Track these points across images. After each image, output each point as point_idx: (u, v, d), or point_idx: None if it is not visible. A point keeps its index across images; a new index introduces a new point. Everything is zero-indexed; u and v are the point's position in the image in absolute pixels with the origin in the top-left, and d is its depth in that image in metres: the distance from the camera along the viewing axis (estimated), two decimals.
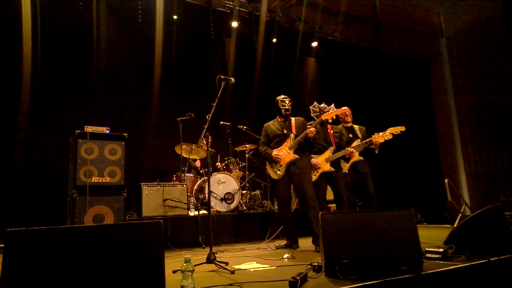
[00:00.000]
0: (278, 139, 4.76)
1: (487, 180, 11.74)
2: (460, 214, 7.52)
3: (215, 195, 5.78)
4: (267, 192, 7.01)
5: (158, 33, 7.93)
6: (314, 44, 10.34)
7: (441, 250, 3.19)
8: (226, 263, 3.29)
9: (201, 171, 6.78)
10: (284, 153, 4.63)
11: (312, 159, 4.90)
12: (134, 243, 2.14)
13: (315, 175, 4.91)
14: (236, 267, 3.32)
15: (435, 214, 10.17)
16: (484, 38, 11.80)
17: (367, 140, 5.34)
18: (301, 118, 4.87)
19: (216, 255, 3.38)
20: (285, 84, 9.69)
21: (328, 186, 5.08)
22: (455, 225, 6.15)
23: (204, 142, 3.78)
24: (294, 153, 4.59)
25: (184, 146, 6.41)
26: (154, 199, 5.30)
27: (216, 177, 5.92)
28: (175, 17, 8.25)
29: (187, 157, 6.58)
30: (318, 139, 4.92)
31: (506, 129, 11.21)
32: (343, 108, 5.57)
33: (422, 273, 2.65)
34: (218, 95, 3.80)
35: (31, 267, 1.90)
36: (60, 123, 6.52)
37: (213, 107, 3.77)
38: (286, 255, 3.80)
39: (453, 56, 12.81)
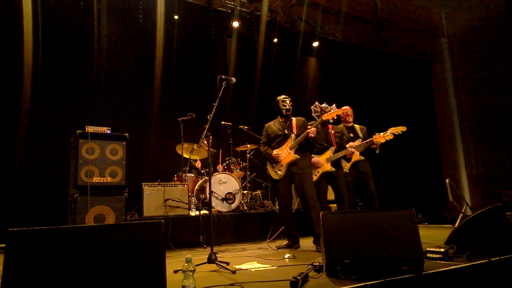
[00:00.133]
0: (279, 139, 4.76)
1: (488, 180, 11.73)
2: (461, 214, 7.52)
3: (216, 195, 5.78)
4: (268, 192, 7.00)
5: (159, 33, 7.93)
6: (315, 44, 10.33)
7: (442, 250, 3.19)
8: (227, 263, 3.29)
9: (202, 171, 6.78)
10: (285, 153, 4.64)
11: (313, 159, 4.90)
12: (135, 243, 2.14)
13: (316, 175, 4.91)
14: (237, 267, 3.32)
15: (436, 214, 10.17)
16: (485, 38, 11.79)
17: (368, 140, 5.34)
18: (302, 118, 4.87)
19: (217, 255, 3.39)
20: (286, 84, 9.69)
21: (329, 186, 5.08)
22: (456, 225, 6.14)
23: (205, 142, 3.78)
24: (295, 153, 4.59)
25: (185, 146, 6.41)
26: (155, 199, 5.31)
27: (217, 177, 5.92)
28: (176, 17, 8.25)
29: (188, 157, 6.58)
30: (319, 139, 4.92)
31: (507, 129, 11.19)
32: (344, 108, 5.57)
33: (423, 273, 2.65)
34: (219, 95, 3.80)
35: (32, 267, 1.91)
36: (61, 123, 6.52)
37: (214, 107, 3.77)
38: (287, 255, 3.79)
39: (454, 56, 12.79)
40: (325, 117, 4.74)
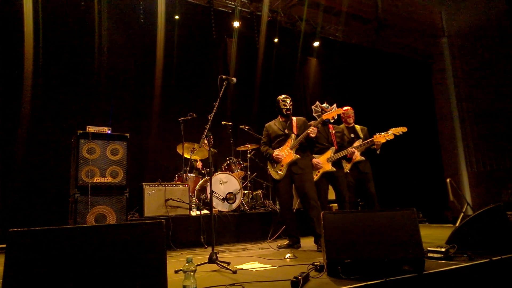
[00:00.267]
0: (279, 139, 4.75)
1: (488, 180, 11.72)
2: (462, 214, 7.51)
3: (217, 195, 5.78)
4: (269, 192, 7.01)
5: (160, 33, 7.94)
6: (316, 44, 10.34)
7: (443, 249, 3.19)
8: (228, 263, 3.30)
9: (203, 171, 6.78)
10: (285, 153, 4.63)
11: (314, 159, 4.90)
12: (136, 243, 2.14)
13: (316, 175, 4.91)
14: (238, 267, 3.32)
15: (437, 213, 10.17)
16: (485, 37, 11.79)
17: (368, 140, 5.33)
18: (303, 118, 4.87)
19: (218, 255, 3.39)
20: (287, 84, 9.69)
21: (329, 186, 5.08)
22: (457, 225, 6.14)
23: (206, 142, 3.78)
24: (296, 153, 4.59)
25: (186, 146, 6.42)
26: (156, 199, 5.31)
27: (218, 177, 5.92)
28: (176, 17, 8.26)
29: (189, 157, 6.58)
30: (319, 139, 4.92)
31: (508, 128, 11.19)
32: (345, 108, 5.57)
33: (424, 272, 2.65)
34: (220, 95, 3.80)
35: (33, 267, 1.91)
36: (62, 123, 6.52)
37: (215, 107, 3.78)
38: (288, 255, 3.79)
39: (455, 56, 12.79)
40: (325, 116, 4.73)
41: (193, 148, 6.50)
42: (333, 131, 5.15)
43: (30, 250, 1.93)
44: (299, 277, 2.46)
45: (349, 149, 5.10)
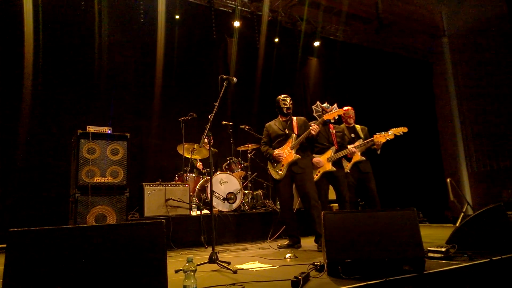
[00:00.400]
0: (279, 139, 4.75)
1: (489, 180, 11.72)
2: (462, 214, 7.50)
3: (217, 195, 5.78)
4: (269, 191, 7.01)
5: (160, 32, 7.94)
6: (316, 43, 10.34)
7: (443, 249, 3.18)
8: (228, 263, 3.30)
9: (203, 171, 6.78)
10: (286, 153, 4.63)
11: (314, 159, 4.90)
12: (136, 243, 2.14)
13: (317, 175, 4.91)
14: (238, 266, 3.32)
15: (437, 213, 10.16)
16: (486, 37, 11.78)
17: (369, 140, 5.33)
18: (303, 118, 4.87)
19: (218, 255, 3.39)
20: (287, 83, 9.68)
21: (330, 185, 5.08)
22: (457, 225, 6.13)
23: (206, 141, 3.78)
24: (296, 153, 4.59)
25: (186, 146, 6.42)
26: (156, 199, 5.31)
27: (218, 177, 5.92)
28: (177, 16, 8.26)
29: (189, 157, 6.58)
30: (320, 139, 4.91)
31: (508, 128, 11.18)
32: (346, 108, 5.57)
33: (424, 272, 2.65)
34: (220, 94, 3.80)
35: (33, 267, 1.91)
36: (62, 123, 6.53)
37: (215, 107, 3.78)
38: (288, 255, 3.79)
39: (455, 56, 12.79)
40: (326, 117, 4.73)
41: (194, 148, 6.50)
42: (334, 131, 5.15)
43: (30, 250, 1.93)
44: (300, 277, 2.46)
45: (350, 148, 5.11)
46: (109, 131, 4.86)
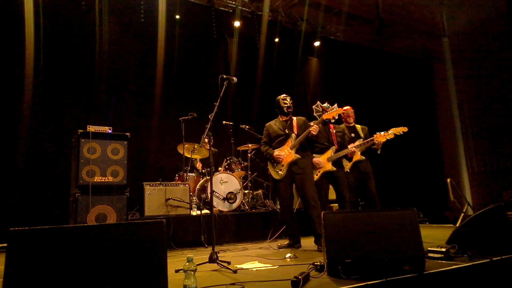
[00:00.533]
0: (279, 139, 4.75)
1: (489, 180, 11.72)
2: (463, 214, 7.50)
3: (217, 195, 5.78)
4: (269, 191, 7.01)
5: (161, 32, 7.94)
6: (317, 43, 10.33)
7: (443, 249, 3.19)
8: (228, 263, 3.30)
9: (203, 170, 6.78)
10: (286, 153, 4.63)
11: (314, 159, 4.90)
12: (136, 243, 2.14)
13: (317, 175, 4.91)
14: (238, 266, 3.32)
15: (438, 213, 10.16)
16: (486, 37, 11.78)
17: (369, 139, 5.33)
18: (303, 118, 4.87)
19: (218, 255, 3.39)
20: (288, 83, 9.68)
21: (330, 185, 5.08)
22: (457, 225, 6.14)
23: (207, 141, 3.78)
24: (296, 152, 4.59)
25: (186, 146, 6.41)
26: (156, 198, 5.31)
27: (218, 176, 5.92)
28: (177, 16, 8.25)
29: (190, 156, 6.58)
30: (320, 139, 4.91)
31: (508, 128, 11.18)
32: (345, 107, 5.57)
33: (424, 272, 2.65)
34: (221, 94, 3.81)
35: (33, 266, 1.91)
36: (62, 122, 6.53)
37: (216, 107, 3.78)
38: (288, 255, 3.80)
39: (456, 56, 12.78)
40: (325, 116, 4.74)
41: (194, 147, 6.50)
42: (334, 131, 5.15)
43: (31, 249, 1.93)
44: (300, 277, 2.46)
45: (350, 148, 5.11)
46: (110, 131, 4.87)
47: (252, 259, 3.76)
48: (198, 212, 5.53)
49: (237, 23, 8.92)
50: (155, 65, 7.85)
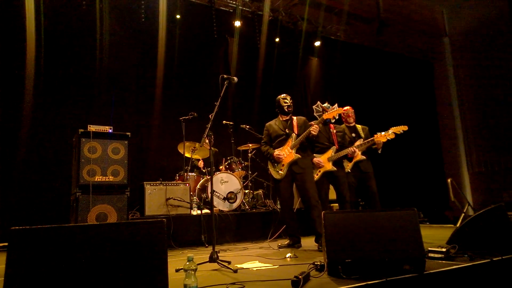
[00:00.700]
0: (280, 139, 4.75)
1: (490, 180, 11.72)
2: (463, 214, 7.49)
3: (218, 195, 5.78)
4: (270, 191, 7.01)
5: (161, 32, 7.94)
6: (317, 43, 10.33)
7: (443, 249, 3.18)
8: (229, 262, 3.30)
9: (203, 170, 6.78)
10: (286, 152, 4.63)
11: (315, 158, 4.90)
12: (137, 242, 2.15)
13: (317, 175, 4.91)
14: (239, 266, 3.32)
15: (438, 213, 10.16)
16: (487, 37, 11.78)
17: (369, 139, 5.33)
18: (303, 118, 4.86)
19: (218, 254, 3.39)
20: (288, 83, 9.68)
21: (330, 185, 5.08)
22: (457, 225, 6.13)
23: (207, 141, 3.79)
24: (296, 152, 4.59)
25: (187, 145, 6.42)
26: (157, 198, 5.31)
27: (219, 176, 5.92)
28: (178, 16, 8.26)
29: (190, 156, 6.58)
30: (320, 139, 4.91)
31: (509, 129, 11.18)
32: (345, 107, 5.57)
33: (424, 272, 2.65)
34: (221, 94, 3.81)
35: (34, 265, 1.91)
36: (63, 122, 6.53)
37: (216, 107, 3.78)
38: (288, 254, 3.80)
39: (456, 56, 12.78)
40: (325, 116, 4.74)
41: (194, 147, 6.50)
42: (334, 131, 5.15)
43: (32, 248, 1.93)
44: (300, 277, 2.46)
45: (350, 148, 5.11)
46: (110, 130, 4.87)
47: (253, 259, 3.76)
48: (199, 211, 5.53)
49: (237, 23, 8.93)
50: (156, 64, 7.85)
